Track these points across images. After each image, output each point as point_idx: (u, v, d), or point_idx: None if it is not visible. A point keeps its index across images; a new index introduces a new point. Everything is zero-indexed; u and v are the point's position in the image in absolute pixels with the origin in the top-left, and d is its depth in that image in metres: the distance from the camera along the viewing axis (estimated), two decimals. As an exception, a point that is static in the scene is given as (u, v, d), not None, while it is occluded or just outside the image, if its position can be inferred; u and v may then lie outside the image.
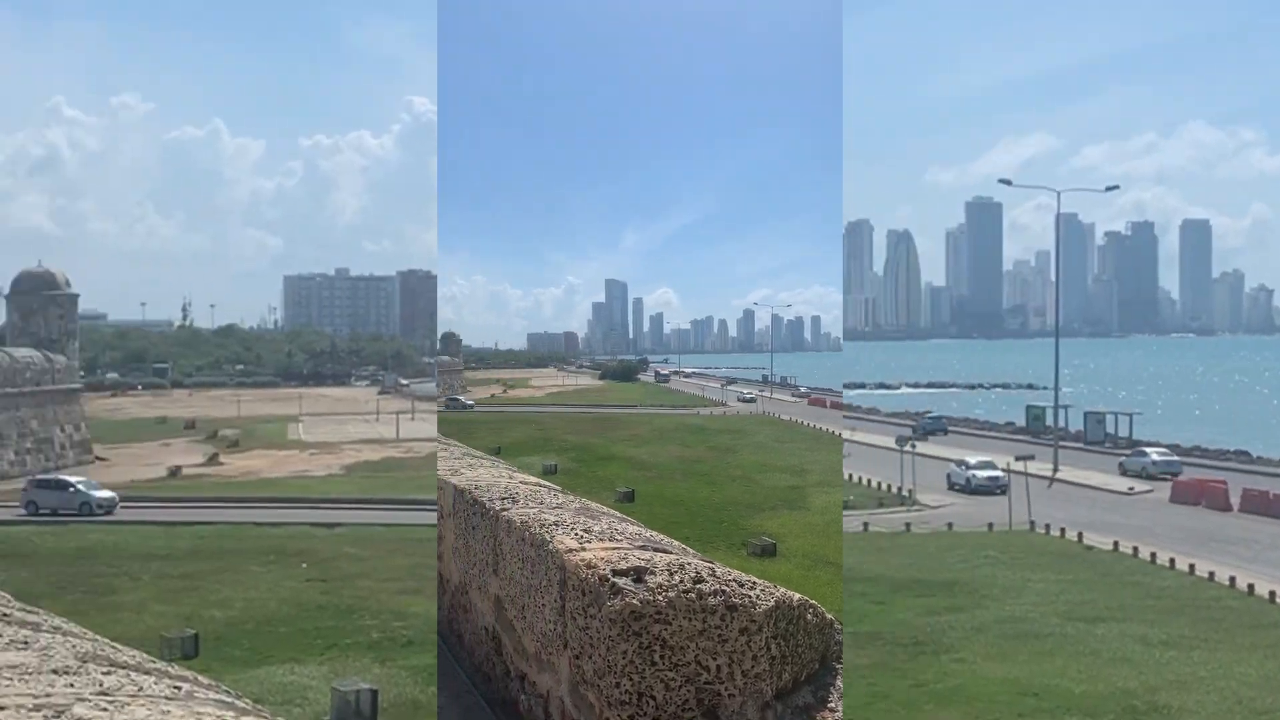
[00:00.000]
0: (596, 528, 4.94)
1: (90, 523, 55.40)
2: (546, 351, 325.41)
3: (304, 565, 44.64)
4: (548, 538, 4.90)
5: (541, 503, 6.07)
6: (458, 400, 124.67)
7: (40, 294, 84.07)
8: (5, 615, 3.67)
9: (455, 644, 7.25)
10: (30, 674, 2.81)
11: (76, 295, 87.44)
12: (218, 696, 2.81)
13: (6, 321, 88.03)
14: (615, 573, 4.01)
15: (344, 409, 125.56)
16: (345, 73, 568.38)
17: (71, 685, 2.72)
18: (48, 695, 2.63)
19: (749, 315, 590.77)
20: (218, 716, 2.51)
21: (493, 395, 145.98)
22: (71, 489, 60.56)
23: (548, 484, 7.21)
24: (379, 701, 26.35)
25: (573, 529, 4.96)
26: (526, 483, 7.20)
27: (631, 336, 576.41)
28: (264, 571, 43.50)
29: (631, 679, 3.81)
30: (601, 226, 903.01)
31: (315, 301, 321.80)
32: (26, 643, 3.21)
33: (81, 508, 58.61)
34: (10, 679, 2.75)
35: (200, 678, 3.03)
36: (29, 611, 3.89)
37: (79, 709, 2.53)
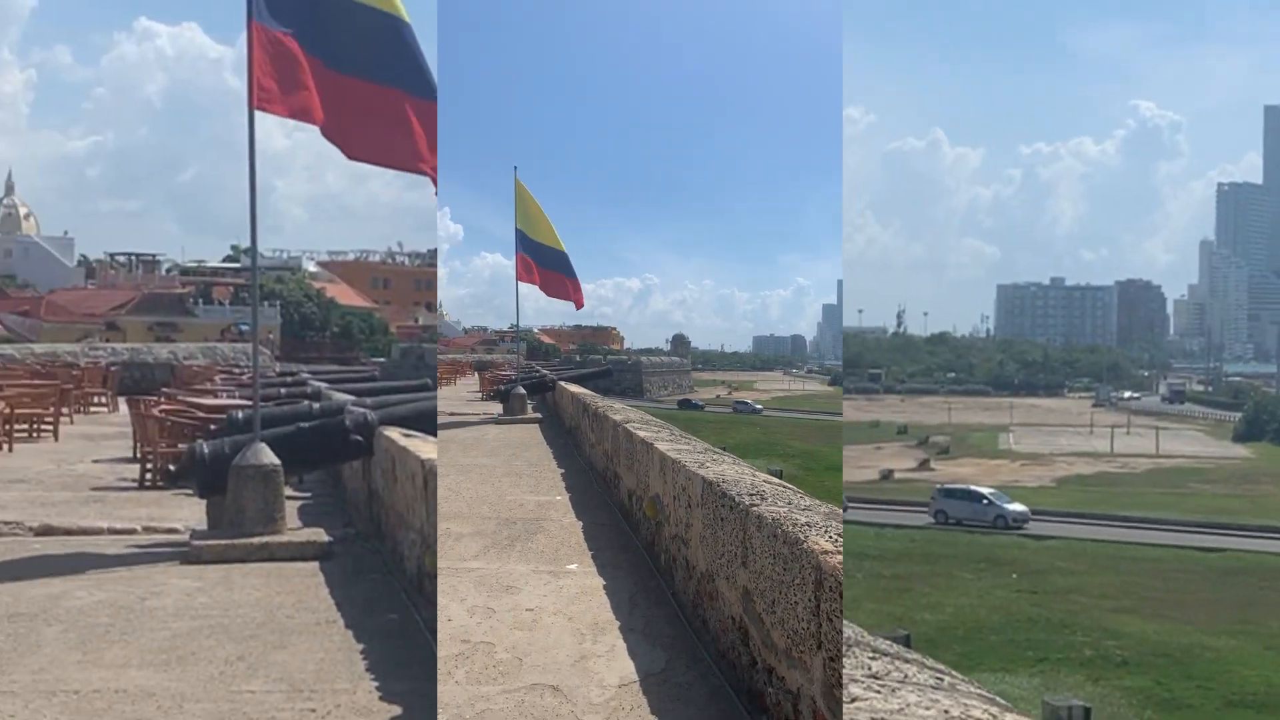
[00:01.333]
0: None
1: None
2: (772, 354, 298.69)
3: (1014, 575, 44.42)
4: (801, 537, 4.86)
5: (790, 503, 5.93)
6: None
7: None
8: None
9: (700, 628, 7.19)
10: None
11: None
12: (977, 691, 2.92)
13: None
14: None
15: (1056, 420, 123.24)
16: (1067, 78, 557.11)
17: (844, 667, 2.96)
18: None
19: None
20: (986, 711, 2.62)
21: (717, 396, 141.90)
22: (984, 501, 60.29)
23: (790, 486, 6.87)
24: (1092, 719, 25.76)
25: (826, 532, 4.85)
26: (770, 482, 7.07)
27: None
28: (974, 579, 43.81)
29: (893, 692, 3.57)
30: (835, 226, 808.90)
31: (1029, 310, 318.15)
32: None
33: (996, 521, 57.80)
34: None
35: (954, 671, 3.16)
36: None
37: (854, 689, 2.75)
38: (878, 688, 2.78)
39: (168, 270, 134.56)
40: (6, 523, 11.99)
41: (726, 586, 6.41)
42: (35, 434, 20.84)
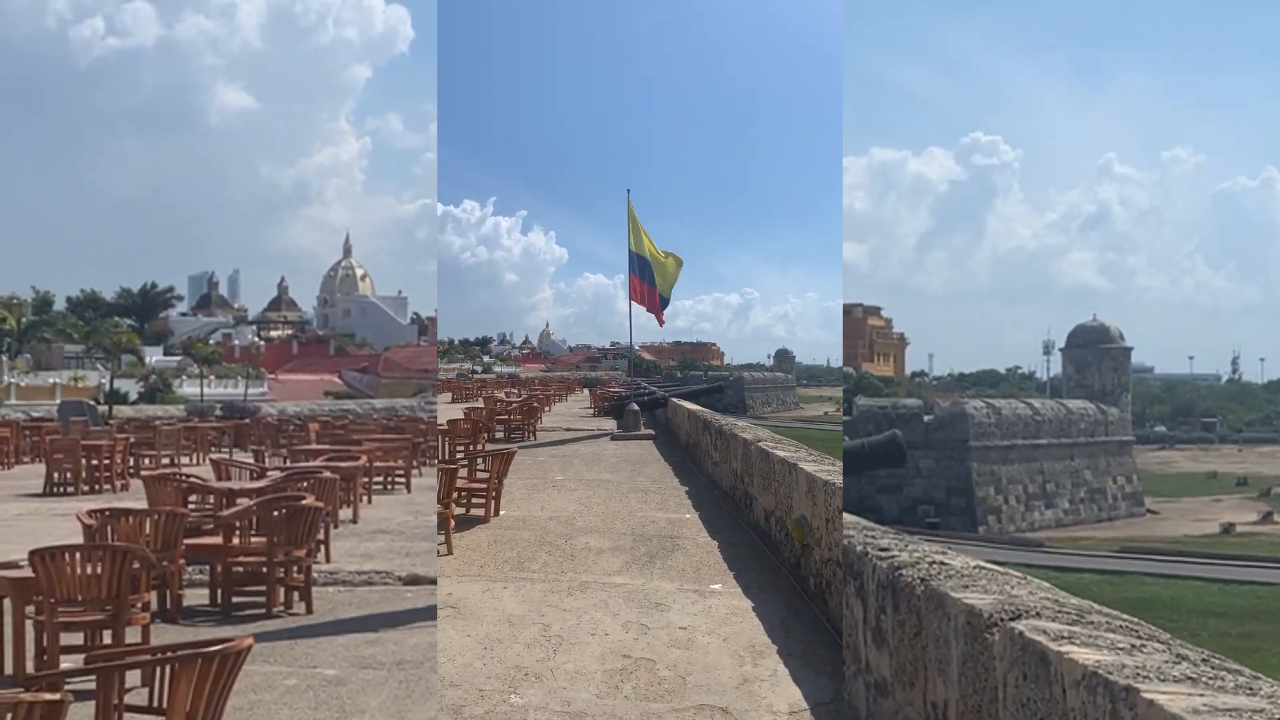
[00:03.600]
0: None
1: (1147, 574, 55.70)
2: None
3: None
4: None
5: None
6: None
7: (1095, 347, 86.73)
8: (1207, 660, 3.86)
9: None
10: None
11: (1129, 349, 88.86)
12: None
13: (1062, 373, 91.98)
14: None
15: None
16: None
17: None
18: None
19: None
20: None
21: (825, 413, 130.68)
22: None
23: None
24: None
25: None
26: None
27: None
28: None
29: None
30: None
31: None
32: (1253, 690, 3.35)
33: None
34: None
35: None
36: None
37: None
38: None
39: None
40: (378, 572, 12.73)
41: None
42: (389, 486, 22.06)
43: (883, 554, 6.26)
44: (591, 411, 42.42)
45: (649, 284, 30.83)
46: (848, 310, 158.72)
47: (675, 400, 30.94)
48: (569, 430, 31.03)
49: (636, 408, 29.84)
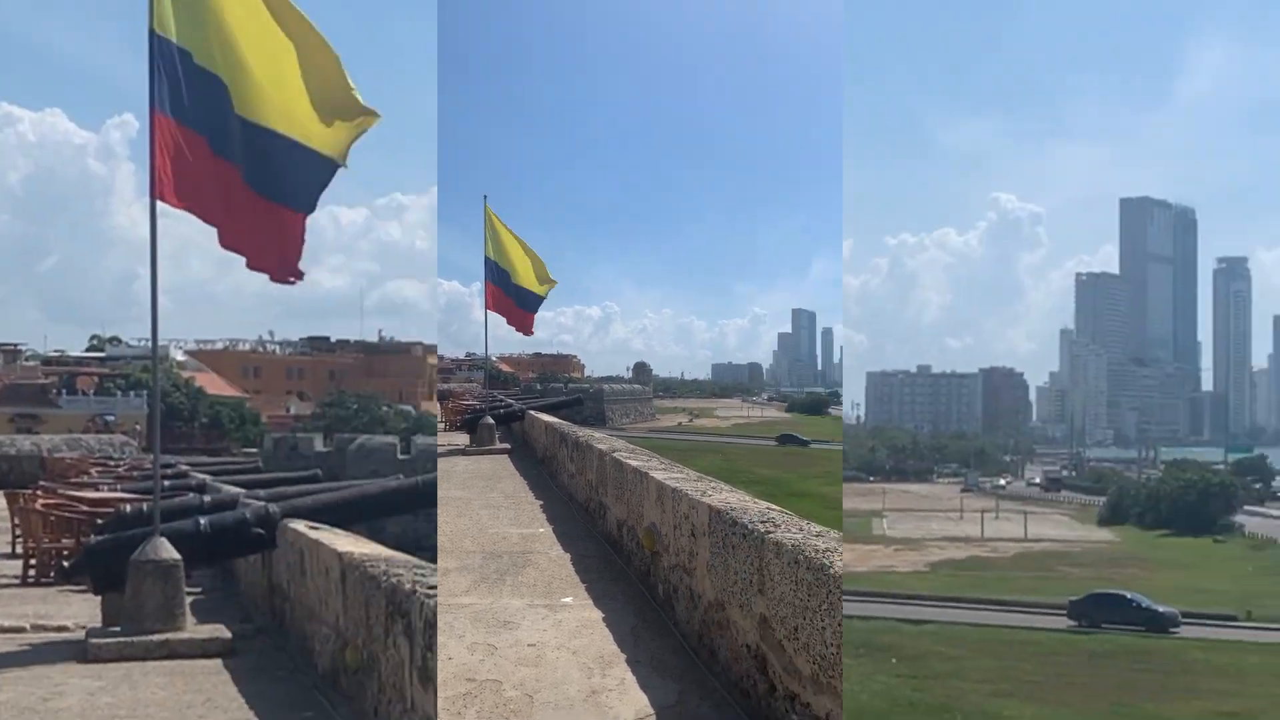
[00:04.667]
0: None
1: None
2: (731, 382, 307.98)
3: (893, 660, 44.77)
4: (826, 563, 4.88)
5: (803, 529, 6.02)
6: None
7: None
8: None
9: (709, 659, 7.25)
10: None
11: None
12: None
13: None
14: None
15: (926, 505, 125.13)
16: (930, 171, 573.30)
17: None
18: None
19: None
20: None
21: (679, 424, 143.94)
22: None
23: (790, 512, 6.98)
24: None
25: (843, 557, 4.98)
26: (773, 509, 7.15)
27: (820, 368, 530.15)
28: (854, 664, 44.03)
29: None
30: (790, 257, 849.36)
31: (897, 397, 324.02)
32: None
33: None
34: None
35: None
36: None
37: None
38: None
39: (29, 360, 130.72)
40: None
41: (740, 615, 6.40)
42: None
43: (431, 593, 6.25)
44: (443, 425, 40.05)
45: (507, 294, 29.16)
46: (405, 348, 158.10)
47: (533, 413, 29.51)
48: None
49: (492, 421, 28.38)
